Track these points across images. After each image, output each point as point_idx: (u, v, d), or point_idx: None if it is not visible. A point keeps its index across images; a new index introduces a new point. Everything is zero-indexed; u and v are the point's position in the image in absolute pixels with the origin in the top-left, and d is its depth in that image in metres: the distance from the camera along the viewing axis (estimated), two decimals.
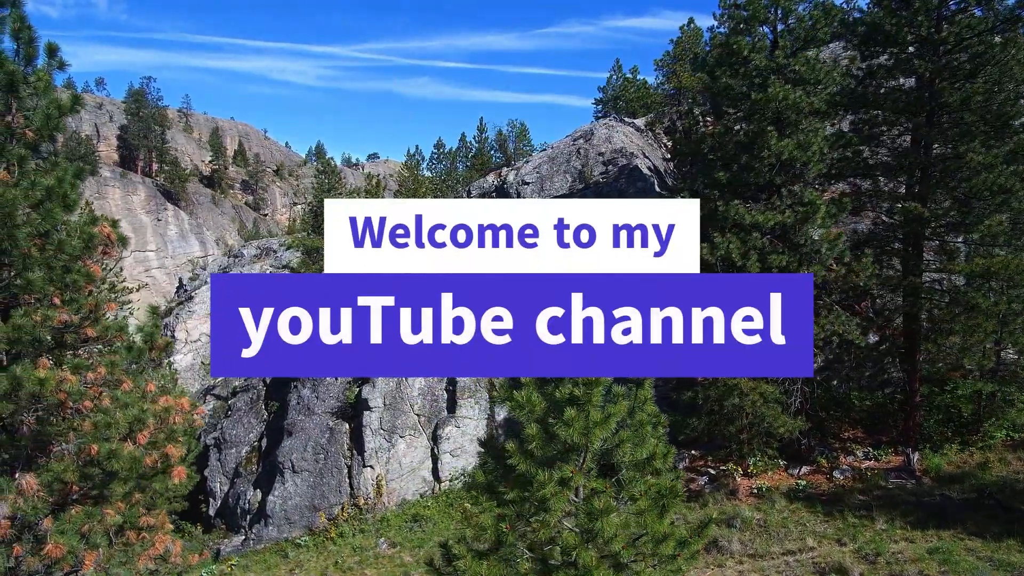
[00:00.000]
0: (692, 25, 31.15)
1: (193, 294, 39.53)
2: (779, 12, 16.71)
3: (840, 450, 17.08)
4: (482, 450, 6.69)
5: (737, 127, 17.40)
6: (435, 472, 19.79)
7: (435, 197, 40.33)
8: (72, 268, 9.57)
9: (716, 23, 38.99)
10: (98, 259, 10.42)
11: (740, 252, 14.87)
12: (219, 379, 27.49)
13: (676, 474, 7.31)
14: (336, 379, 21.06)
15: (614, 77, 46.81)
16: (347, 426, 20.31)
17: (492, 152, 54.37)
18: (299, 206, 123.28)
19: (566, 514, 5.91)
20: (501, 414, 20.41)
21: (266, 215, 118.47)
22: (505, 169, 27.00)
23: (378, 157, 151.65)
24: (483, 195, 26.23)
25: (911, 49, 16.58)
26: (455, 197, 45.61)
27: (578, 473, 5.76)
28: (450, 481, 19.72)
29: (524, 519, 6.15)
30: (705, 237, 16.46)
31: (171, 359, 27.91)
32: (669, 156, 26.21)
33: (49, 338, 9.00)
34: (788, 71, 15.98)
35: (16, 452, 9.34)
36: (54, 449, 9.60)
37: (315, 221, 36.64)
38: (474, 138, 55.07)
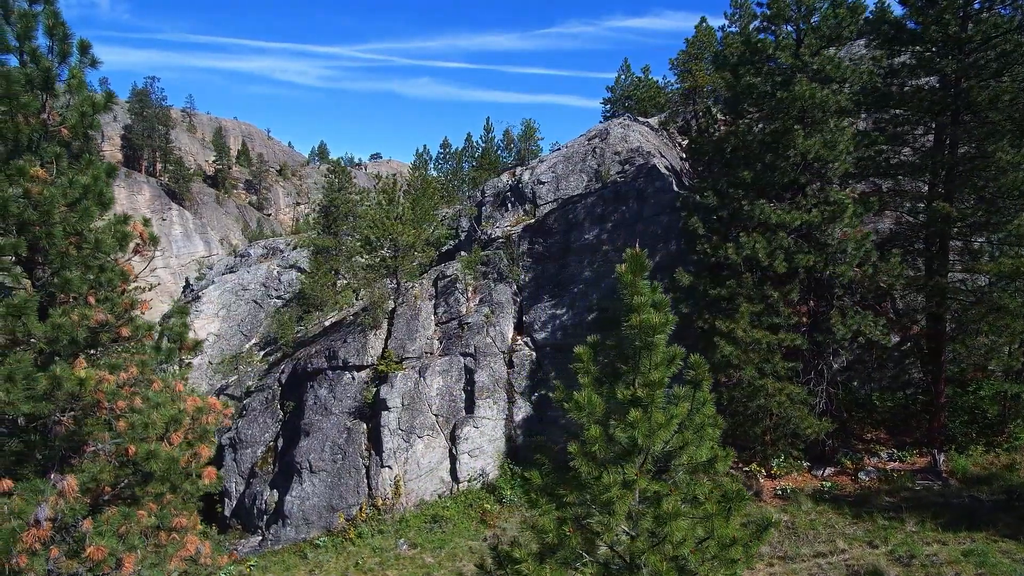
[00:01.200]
0: (705, 24, 31.02)
1: (200, 294, 39.50)
2: (802, 10, 16.59)
3: (864, 451, 16.96)
4: (539, 453, 6.60)
5: (760, 126, 17.31)
6: (453, 473, 19.69)
7: (442, 198, 40.20)
8: (107, 267, 9.50)
9: (727, 22, 38.74)
10: (129, 258, 10.35)
11: (766, 252, 14.76)
12: (232, 379, 27.44)
13: (734, 478, 7.19)
14: (353, 379, 20.98)
15: (623, 77, 46.72)
16: (364, 426, 20.22)
17: (499, 152, 54.29)
18: (302, 206, 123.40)
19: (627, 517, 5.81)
20: (519, 414, 20.32)
21: (269, 215, 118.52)
22: (519, 168, 26.90)
23: (380, 157, 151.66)
24: (497, 194, 26.13)
25: (935, 48, 16.45)
26: (462, 197, 45.49)
27: (642, 476, 5.66)
28: (468, 482, 19.62)
29: (577, 521, 6.05)
30: (727, 237, 16.38)
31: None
32: (684, 155, 26.10)
33: (85, 337, 8.90)
34: (813, 69, 15.86)
35: (50, 453, 9.26)
36: (88, 449, 9.52)
37: (325, 221, 36.59)
38: (481, 137, 54.97)
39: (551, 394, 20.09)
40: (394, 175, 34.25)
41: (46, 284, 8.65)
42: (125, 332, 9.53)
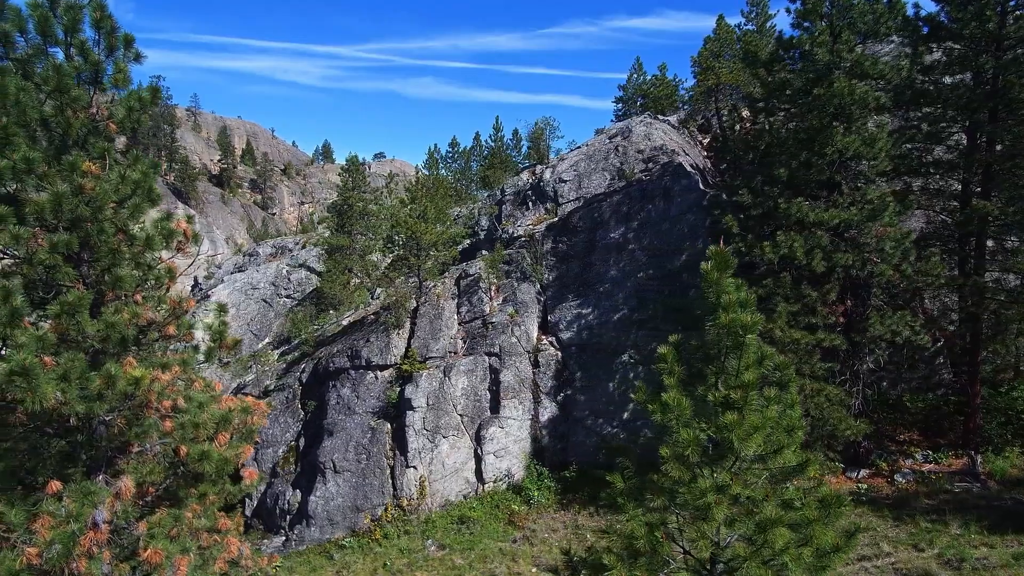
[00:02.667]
0: (723, 22, 30.82)
1: (210, 292, 39.37)
2: (837, 6, 16.37)
3: (898, 453, 16.77)
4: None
5: (792, 123, 17.11)
6: (478, 473, 19.52)
7: (451, 196, 40.01)
8: (153, 264, 9.34)
9: (744, 20, 38.43)
10: (173, 255, 10.19)
11: (804, 250, 14.56)
12: (250, 378, 27.28)
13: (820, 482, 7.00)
14: (376, 378, 20.81)
15: (635, 76, 46.55)
16: (388, 426, 20.05)
17: (509, 151, 54.10)
18: (307, 205, 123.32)
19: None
20: (545, 415, 20.15)
21: (274, 214, 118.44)
22: (540, 167, 26.70)
23: (384, 156, 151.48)
24: (518, 193, 25.95)
25: (973, 44, 16.24)
26: (473, 195, 45.33)
27: (737, 481, 5.48)
28: (494, 482, 19.45)
29: (663, 527, 5.87)
30: (762, 235, 16.18)
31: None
32: (705, 153, 25.91)
33: (133, 336, 8.72)
34: (848, 65, 15.65)
35: (96, 454, 9.09)
36: (134, 450, 9.35)
37: (339, 220, 36.41)
38: (490, 136, 54.79)
39: (579, 396, 19.92)
40: (395, 175, 34.16)
41: (97, 282, 8.47)
42: (172, 330, 9.37)
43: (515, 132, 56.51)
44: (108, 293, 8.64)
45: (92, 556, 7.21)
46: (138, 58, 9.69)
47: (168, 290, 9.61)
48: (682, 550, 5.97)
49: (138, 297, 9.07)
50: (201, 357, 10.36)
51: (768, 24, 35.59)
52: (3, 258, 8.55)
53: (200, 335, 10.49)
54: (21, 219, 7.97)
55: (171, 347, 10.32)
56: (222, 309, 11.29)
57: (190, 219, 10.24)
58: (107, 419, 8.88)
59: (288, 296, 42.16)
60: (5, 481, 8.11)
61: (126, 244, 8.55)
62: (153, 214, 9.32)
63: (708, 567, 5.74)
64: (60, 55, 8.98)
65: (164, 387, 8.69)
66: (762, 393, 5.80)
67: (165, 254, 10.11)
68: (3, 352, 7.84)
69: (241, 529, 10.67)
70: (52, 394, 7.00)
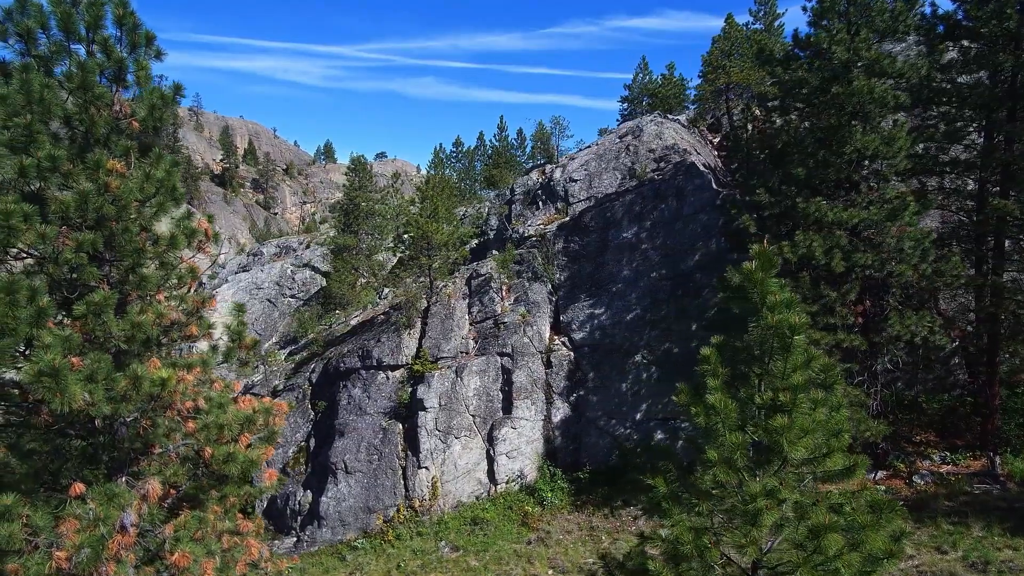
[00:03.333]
0: (733, 22, 30.70)
1: (214, 292, 39.25)
2: (851, 5, 16.25)
3: (915, 454, 16.66)
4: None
5: (807, 122, 17.00)
6: (491, 474, 19.41)
7: (456, 196, 39.92)
8: (175, 264, 9.24)
9: (752, 19, 38.23)
10: (194, 255, 10.09)
11: (823, 250, 14.45)
12: (258, 378, 27.17)
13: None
14: (388, 379, 20.71)
15: (640, 75, 46.50)
16: (400, 426, 19.94)
17: (513, 151, 54.00)
18: (309, 205, 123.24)
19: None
20: (558, 415, 20.04)
21: (276, 214, 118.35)
22: (549, 167, 26.59)
23: (386, 156, 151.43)
24: (527, 192, 25.84)
25: (990, 44, 16.12)
26: (478, 195, 45.23)
27: (788, 485, 5.37)
28: (506, 483, 19.34)
29: (710, 532, 5.76)
30: (779, 235, 16.07)
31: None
32: (716, 152, 25.80)
33: (157, 336, 8.62)
34: (866, 64, 15.53)
35: (118, 455, 8.99)
36: (155, 451, 9.25)
37: (346, 219, 36.31)
38: (494, 136, 54.71)
39: (592, 396, 19.80)
40: (400, 174, 34.00)
41: (120, 281, 8.37)
42: (195, 331, 9.27)
43: (519, 132, 56.48)
44: (131, 293, 8.54)
45: (120, 560, 7.10)
46: (159, 55, 9.59)
47: (190, 290, 9.51)
48: (721, 556, 5.87)
49: (160, 297, 8.98)
50: (220, 357, 10.29)
51: (776, 23, 35.53)
52: (25, 257, 8.46)
53: (215, 334, 10.39)
54: (44, 218, 7.88)
55: (191, 348, 10.25)
56: (240, 309, 11.20)
57: (210, 218, 10.16)
58: (128, 420, 8.79)
59: (293, 296, 42.06)
60: (29, 483, 8.01)
61: (150, 243, 8.45)
62: (173, 212, 9.22)
63: (750, 573, 5.63)
64: (82, 52, 8.89)
65: (187, 388, 8.59)
66: (808, 395, 5.69)
67: (185, 253, 10.02)
68: (27, 352, 7.75)
69: (262, 531, 10.55)
70: (80, 395, 6.89)
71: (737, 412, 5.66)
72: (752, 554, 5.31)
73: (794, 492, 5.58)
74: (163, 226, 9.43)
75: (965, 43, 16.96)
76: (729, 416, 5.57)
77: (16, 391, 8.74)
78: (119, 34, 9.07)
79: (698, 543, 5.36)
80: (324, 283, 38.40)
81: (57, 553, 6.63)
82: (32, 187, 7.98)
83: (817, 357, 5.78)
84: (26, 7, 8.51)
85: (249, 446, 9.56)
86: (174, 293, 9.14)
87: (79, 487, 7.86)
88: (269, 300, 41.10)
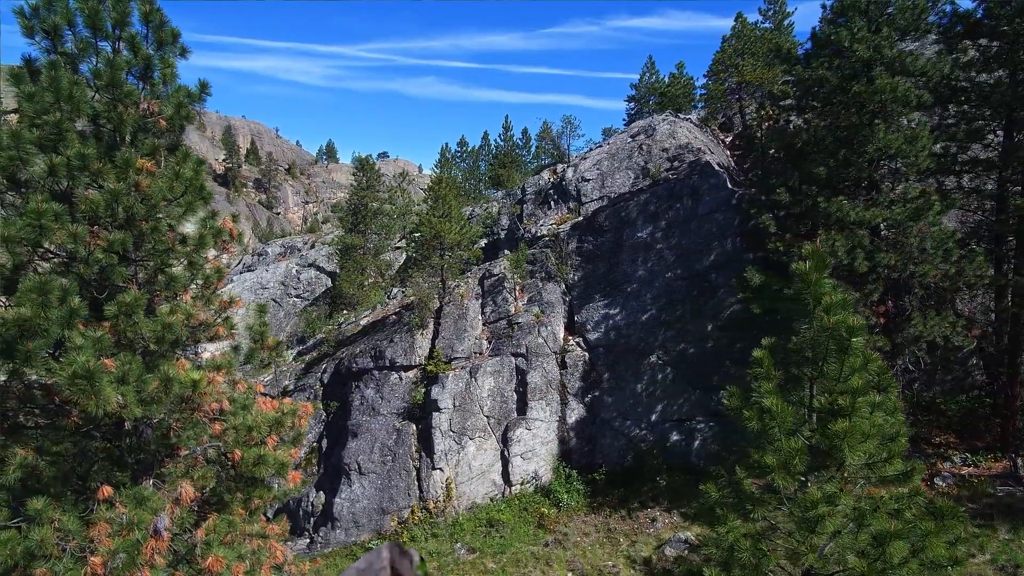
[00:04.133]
0: (744, 21, 30.55)
1: (218, 292, 39.01)
2: (872, 2, 16.10)
3: (935, 456, 16.53)
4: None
5: (826, 121, 16.86)
6: (505, 475, 19.29)
7: (462, 196, 39.80)
8: (202, 264, 9.12)
9: (761, 18, 38.03)
10: (218, 255, 9.97)
11: (845, 250, 14.32)
12: (267, 378, 27.05)
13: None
14: (401, 379, 20.59)
15: (647, 75, 46.38)
16: (414, 427, 19.82)
17: (519, 151, 53.89)
18: (311, 204, 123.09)
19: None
20: (572, 416, 19.91)
21: (279, 214, 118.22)
22: (561, 166, 26.46)
23: (388, 156, 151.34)
24: (539, 192, 25.71)
25: (1011, 42, 15.99)
26: (481, 196, 45.10)
27: (847, 492, 5.24)
28: (521, 485, 19.21)
29: (764, 538, 5.63)
30: (798, 234, 15.94)
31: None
32: (729, 152, 25.66)
33: (185, 337, 8.50)
34: (887, 62, 15.39)
35: (144, 457, 8.87)
36: (181, 453, 9.13)
37: (353, 219, 36.18)
38: (500, 136, 54.59)
39: (607, 397, 19.67)
40: (405, 173, 33.93)
41: (148, 281, 8.25)
42: (222, 331, 9.16)
43: (524, 131, 56.36)
44: (159, 293, 8.43)
45: (154, 565, 6.98)
46: (184, 53, 9.49)
47: (216, 290, 9.39)
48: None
49: (187, 297, 8.86)
50: (242, 358, 10.17)
51: (786, 22, 35.39)
52: (51, 257, 8.34)
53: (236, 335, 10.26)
54: (72, 217, 7.76)
55: (201, 348, 10.13)
56: (262, 310, 11.08)
57: (234, 218, 10.03)
58: (154, 422, 8.68)
59: (298, 296, 41.93)
60: (57, 487, 7.89)
61: (179, 243, 8.34)
62: (200, 212, 9.09)
63: None
64: (108, 49, 8.77)
65: (215, 390, 8.48)
66: (867, 399, 5.56)
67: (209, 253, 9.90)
68: (56, 354, 7.63)
69: (286, 533, 10.44)
70: (114, 397, 6.77)
71: (792, 416, 5.52)
72: (810, 561, 5.18)
73: (851, 498, 5.45)
74: (188, 226, 9.33)
75: (984, 42, 16.84)
76: (785, 420, 5.44)
77: (40, 393, 8.63)
78: (145, 31, 8.97)
79: (755, 550, 5.23)
80: (329, 283, 38.29)
81: (92, 559, 6.50)
82: (60, 186, 7.86)
83: (873, 359, 5.66)
84: (53, 3, 8.39)
85: (276, 448, 9.46)
86: (201, 293, 9.03)
87: (107, 490, 7.74)
88: (274, 300, 40.95)
